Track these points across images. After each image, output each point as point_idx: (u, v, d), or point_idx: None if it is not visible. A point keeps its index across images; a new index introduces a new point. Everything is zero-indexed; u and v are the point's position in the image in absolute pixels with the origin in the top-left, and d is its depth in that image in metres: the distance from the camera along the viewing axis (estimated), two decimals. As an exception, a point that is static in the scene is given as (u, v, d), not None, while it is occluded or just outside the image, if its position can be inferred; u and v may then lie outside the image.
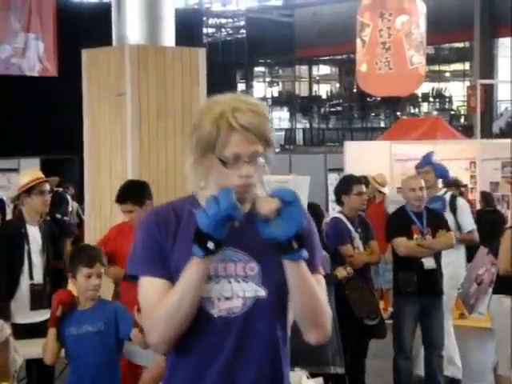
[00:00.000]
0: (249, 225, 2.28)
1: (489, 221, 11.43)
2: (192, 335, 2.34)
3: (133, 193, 5.77)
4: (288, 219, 2.23)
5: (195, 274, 2.27)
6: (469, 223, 7.69)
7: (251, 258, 2.36)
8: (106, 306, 4.58)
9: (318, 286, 2.38)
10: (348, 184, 6.87)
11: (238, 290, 2.35)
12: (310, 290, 2.34)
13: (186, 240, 2.30)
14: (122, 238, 5.74)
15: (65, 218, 14.06)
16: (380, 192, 10.66)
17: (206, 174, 2.38)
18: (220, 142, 2.30)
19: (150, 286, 2.36)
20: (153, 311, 2.32)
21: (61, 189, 14.50)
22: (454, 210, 7.60)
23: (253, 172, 2.31)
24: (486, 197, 12.20)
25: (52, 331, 4.48)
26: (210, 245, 2.22)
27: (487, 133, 23.64)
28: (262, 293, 2.35)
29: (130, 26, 8.60)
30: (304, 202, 7.35)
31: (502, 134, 24.96)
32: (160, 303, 2.30)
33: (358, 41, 13.44)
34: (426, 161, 7.86)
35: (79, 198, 13.60)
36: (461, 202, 7.82)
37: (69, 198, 14.69)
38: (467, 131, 22.01)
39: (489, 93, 26.42)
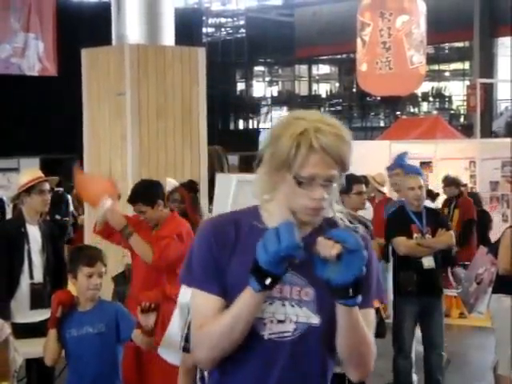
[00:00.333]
0: (309, 248, 2.18)
1: (483, 221, 11.52)
2: (239, 354, 2.28)
3: (143, 193, 5.74)
4: (348, 266, 2.15)
5: (249, 304, 2.21)
6: None
7: (307, 282, 2.29)
8: (107, 307, 4.55)
9: (367, 320, 2.33)
10: (348, 183, 6.83)
11: (292, 314, 2.28)
12: (359, 335, 2.30)
13: (245, 255, 2.24)
14: (141, 227, 5.78)
15: (65, 218, 14.04)
16: (379, 191, 10.65)
17: (273, 188, 2.30)
18: (297, 160, 2.22)
19: (202, 301, 2.31)
20: (202, 328, 2.27)
21: (61, 189, 14.48)
22: None
23: (326, 196, 2.25)
24: (473, 197, 12.20)
25: (52, 332, 4.45)
26: (268, 281, 2.16)
27: (487, 132, 23.65)
28: (316, 320, 2.30)
29: (130, 26, 8.60)
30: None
31: (496, 135, 24.97)
32: (211, 322, 2.26)
33: (359, 40, 13.45)
34: (397, 163, 7.75)
35: (79, 197, 13.56)
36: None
37: (69, 198, 14.64)
38: (467, 130, 21.99)
39: (488, 92, 26.40)
